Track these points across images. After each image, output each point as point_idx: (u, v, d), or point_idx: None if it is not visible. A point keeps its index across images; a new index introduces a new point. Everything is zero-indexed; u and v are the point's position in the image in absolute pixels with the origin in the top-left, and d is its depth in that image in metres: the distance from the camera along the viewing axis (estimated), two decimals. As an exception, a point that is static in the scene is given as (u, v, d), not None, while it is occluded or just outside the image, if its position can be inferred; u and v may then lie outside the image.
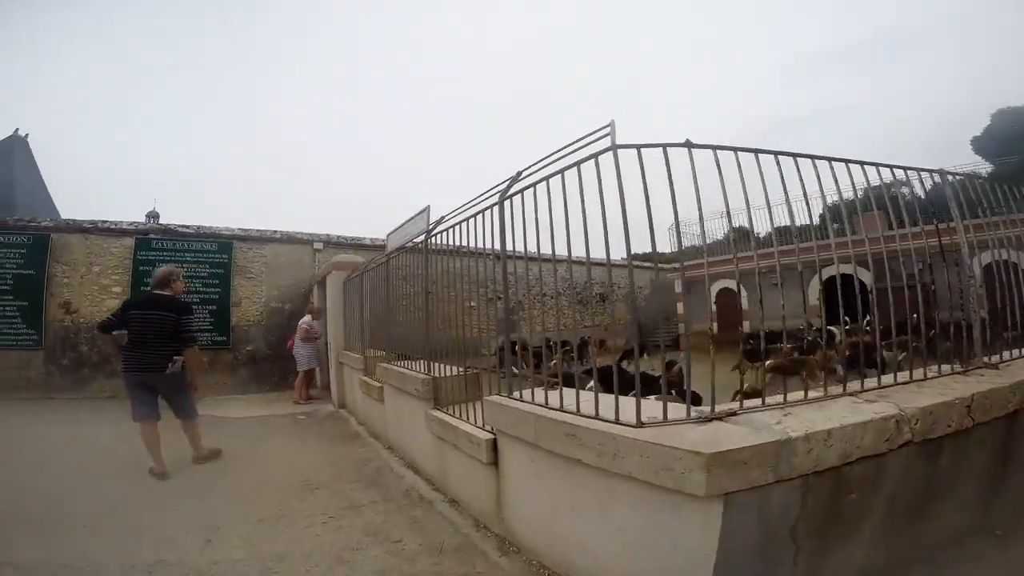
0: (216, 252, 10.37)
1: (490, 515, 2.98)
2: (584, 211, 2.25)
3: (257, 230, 10.85)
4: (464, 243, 3.28)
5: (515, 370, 3.05)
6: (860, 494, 1.96)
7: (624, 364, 11.32)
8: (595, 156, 2.20)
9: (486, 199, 3.05)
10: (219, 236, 10.45)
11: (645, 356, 12.18)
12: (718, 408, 2.07)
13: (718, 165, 2.12)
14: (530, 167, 2.57)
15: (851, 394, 2.37)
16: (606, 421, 2.09)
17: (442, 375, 3.72)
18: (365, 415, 6.27)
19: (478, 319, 3.66)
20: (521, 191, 2.68)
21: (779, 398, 2.23)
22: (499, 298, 3.03)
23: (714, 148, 2.19)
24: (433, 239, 3.81)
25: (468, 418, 3.26)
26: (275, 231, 10.98)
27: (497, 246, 2.94)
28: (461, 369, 3.69)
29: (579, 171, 2.27)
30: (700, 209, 2.11)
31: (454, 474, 3.51)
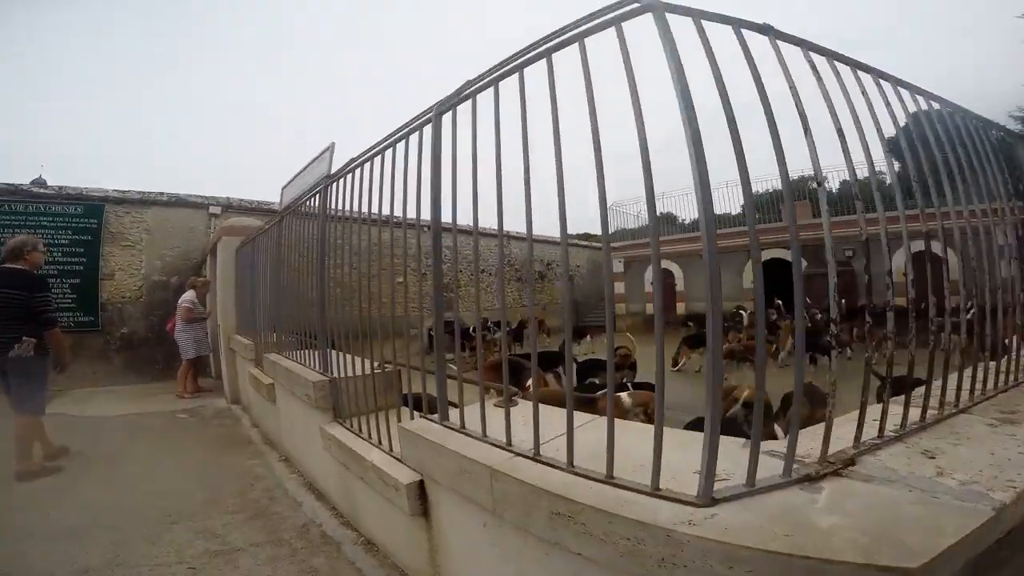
0: (82, 216, 8.44)
1: (423, 572, 2.03)
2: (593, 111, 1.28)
3: (138, 191, 8.98)
4: (376, 196, 2.24)
5: (452, 366, 2.06)
6: None
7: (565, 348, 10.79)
8: (614, 17, 1.23)
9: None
10: (86, 198, 8.51)
11: (588, 339, 11.70)
12: (805, 449, 1.24)
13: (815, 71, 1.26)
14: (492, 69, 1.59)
15: (963, 410, 1.66)
16: (635, 490, 1.20)
17: (345, 374, 2.65)
18: (260, 415, 5.07)
19: (403, 295, 2.61)
20: (472, 95, 1.69)
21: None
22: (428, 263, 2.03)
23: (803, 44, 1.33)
24: (339, 188, 2.73)
25: (383, 440, 2.27)
26: (161, 193, 9.15)
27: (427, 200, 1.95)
28: (378, 364, 2.64)
29: (583, 46, 1.30)
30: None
31: (368, 510, 2.52)
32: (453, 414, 1.78)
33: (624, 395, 3.67)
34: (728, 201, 18.84)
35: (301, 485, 3.65)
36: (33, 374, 3.85)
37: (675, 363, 8.82)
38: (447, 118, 1.79)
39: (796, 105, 1.25)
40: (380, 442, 2.27)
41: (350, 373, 2.63)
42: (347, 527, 2.88)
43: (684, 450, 1.34)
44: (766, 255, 14.77)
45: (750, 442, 1.18)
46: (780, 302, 13.62)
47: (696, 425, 3.41)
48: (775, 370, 7.87)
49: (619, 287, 17.21)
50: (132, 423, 5.81)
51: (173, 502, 3.36)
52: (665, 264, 16.16)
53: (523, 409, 1.82)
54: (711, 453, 1.11)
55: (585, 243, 23.31)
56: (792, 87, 1.27)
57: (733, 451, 1.31)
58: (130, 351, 8.57)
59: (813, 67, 1.39)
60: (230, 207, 9.65)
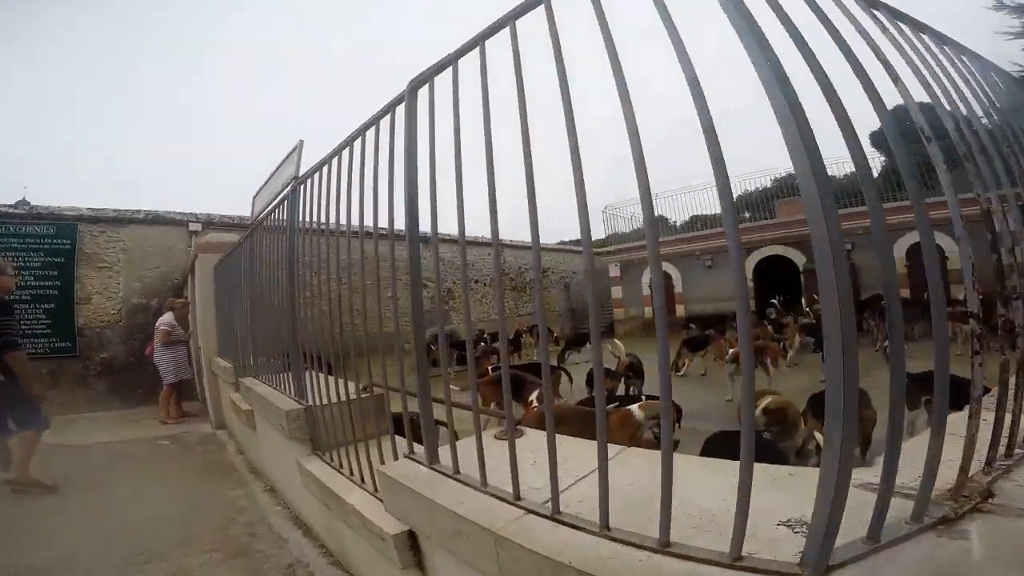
0: (54, 237, 8.07)
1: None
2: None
3: (114, 209, 8.62)
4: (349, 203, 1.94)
5: (453, 387, 1.74)
6: None
7: (567, 357, 10.48)
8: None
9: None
10: (58, 217, 8.13)
11: (588, 346, 11.39)
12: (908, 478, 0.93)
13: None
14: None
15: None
16: (708, 561, 0.88)
17: (322, 401, 2.30)
18: (244, 441, 4.72)
19: (388, 308, 2.28)
20: (452, 60, 1.39)
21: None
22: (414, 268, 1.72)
23: None
24: (307, 191, 2.42)
25: (366, 478, 1.94)
26: (137, 210, 8.79)
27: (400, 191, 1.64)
28: (363, 387, 2.31)
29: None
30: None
31: (356, 552, 2.19)
32: (444, 452, 1.45)
33: (635, 407, 3.36)
34: (716, 203, 18.63)
35: (287, 519, 3.31)
36: (11, 396, 3.81)
37: (676, 367, 8.53)
38: (423, 94, 1.49)
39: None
40: (363, 480, 1.94)
41: (332, 399, 2.30)
42: (337, 567, 2.54)
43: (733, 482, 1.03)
44: (765, 252, 14.61)
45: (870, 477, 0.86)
46: (777, 299, 13.46)
47: (715, 445, 3.12)
48: (785, 369, 7.61)
49: (616, 291, 16.94)
50: (111, 451, 5.48)
51: (148, 538, 3.06)
52: (663, 266, 15.90)
53: (530, 441, 1.51)
54: (834, 505, 0.78)
55: (580, 249, 23.05)
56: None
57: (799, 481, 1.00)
58: (111, 376, 8.17)
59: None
60: (211, 224, 9.30)
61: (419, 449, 1.53)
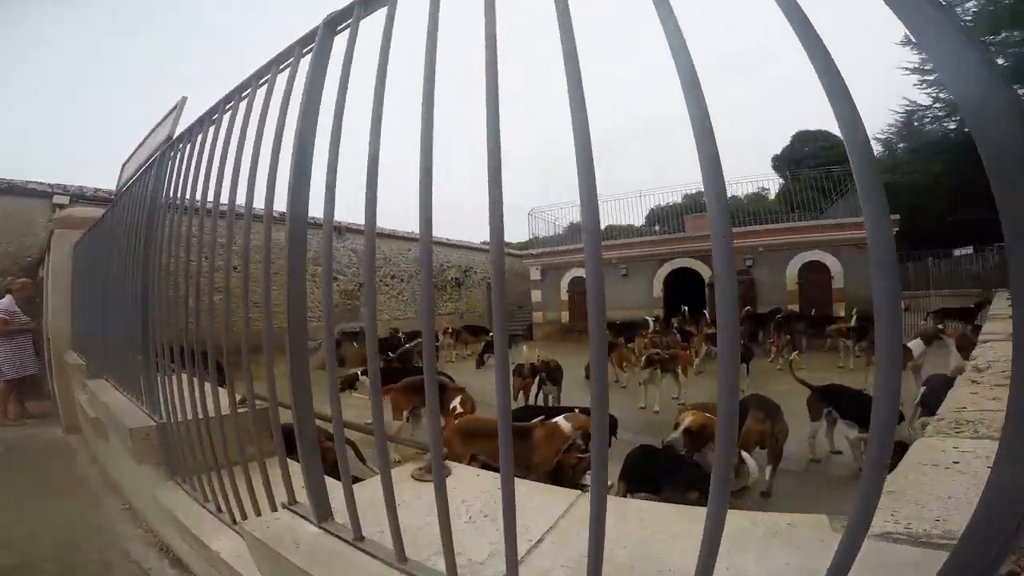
0: None
1: None
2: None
3: (-48, 174, 7.06)
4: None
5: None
6: None
7: (486, 359, 10.22)
8: None
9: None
10: None
11: (512, 348, 11.23)
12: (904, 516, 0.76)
13: None
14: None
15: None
16: None
17: (182, 416, 1.80)
18: (99, 450, 3.95)
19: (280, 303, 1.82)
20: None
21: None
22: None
23: None
24: (182, 157, 1.93)
25: (238, 516, 1.52)
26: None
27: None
28: (240, 399, 1.85)
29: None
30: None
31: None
32: (342, 499, 1.08)
33: (562, 420, 3.17)
34: (634, 213, 19.58)
35: (150, 545, 2.73)
36: None
37: (588, 375, 8.52)
38: (342, 40, 1.13)
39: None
40: (235, 520, 1.53)
41: (200, 413, 1.82)
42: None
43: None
44: (675, 264, 15.40)
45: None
46: (684, 310, 14.25)
47: (637, 461, 3.00)
48: (693, 377, 7.92)
49: (536, 294, 17.02)
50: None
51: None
52: (579, 272, 16.22)
53: (459, 482, 1.21)
54: None
55: (511, 251, 23.02)
56: None
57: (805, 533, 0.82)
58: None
59: None
60: (82, 197, 7.95)
61: (314, 498, 1.17)
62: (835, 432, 4.45)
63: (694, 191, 21.49)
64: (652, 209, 20.11)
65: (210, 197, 1.58)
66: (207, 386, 1.64)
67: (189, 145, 1.86)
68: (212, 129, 1.67)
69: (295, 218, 1.11)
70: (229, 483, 1.58)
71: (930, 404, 4.16)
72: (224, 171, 1.52)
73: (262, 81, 1.38)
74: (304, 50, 1.26)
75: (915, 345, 6.35)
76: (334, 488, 1.11)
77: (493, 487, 1.33)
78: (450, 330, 13.36)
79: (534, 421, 3.37)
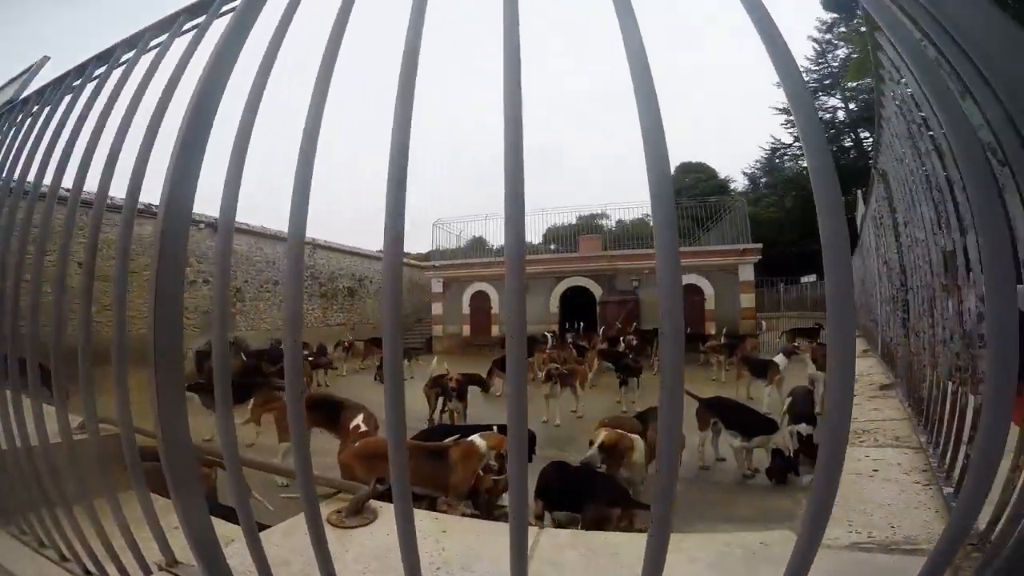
0: None
1: None
2: None
3: None
4: None
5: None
6: None
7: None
8: None
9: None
10: None
11: (407, 363, 10.74)
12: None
13: None
14: None
15: None
16: None
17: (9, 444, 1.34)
18: None
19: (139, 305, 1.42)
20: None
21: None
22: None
23: None
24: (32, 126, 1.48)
25: (81, 551, 1.13)
26: None
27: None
28: (77, 425, 1.41)
29: None
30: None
31: None
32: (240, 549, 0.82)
33: (477, 438, 3.00)
34: (533, 231, 20.18)
35: None
36: None
37: (487, 388, 8.09)
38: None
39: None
40: (90, 572, 1.14)
41: (28, 439, 1.36)
42: None
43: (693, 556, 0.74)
44: (568, 283, 16.06)
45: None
46: (577, 326, 14.87)
47: (550, 478, 2.93)
48: (588, 391, 8.18)
49: (437, 307, 16.69)
50: None
51: None
52: (481, 287, 16.22)
53: (384, 529, 1.01)
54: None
55: (410, 262, 22.31)
56: None
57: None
58: None
59: None
60: None
61: (202, 556, 0.87)
62: (719, 441, 4.81)
63: (587, 213, 22.79)
64: (549, 228, 20.87)
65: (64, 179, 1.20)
66: (32, 405, 1.23)
67: (31, 115, 1.43)
68: (69, 98, 1.29)
69: (173, 212, 0.85)
70: (72, 529, 1.18)
71: (797, 412, 4.68)
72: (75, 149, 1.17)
73: (151, 46, 1.08)
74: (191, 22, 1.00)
75: (780, 360, 7.18)
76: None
77: (435, 529, 1.14)
78: (346, 343, 12.49)
79: (448, 440, 3.16)
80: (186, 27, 1.03)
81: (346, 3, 0.75)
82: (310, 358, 10.19)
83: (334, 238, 17.76)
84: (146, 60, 1.08)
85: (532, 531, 1.06)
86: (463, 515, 2.90)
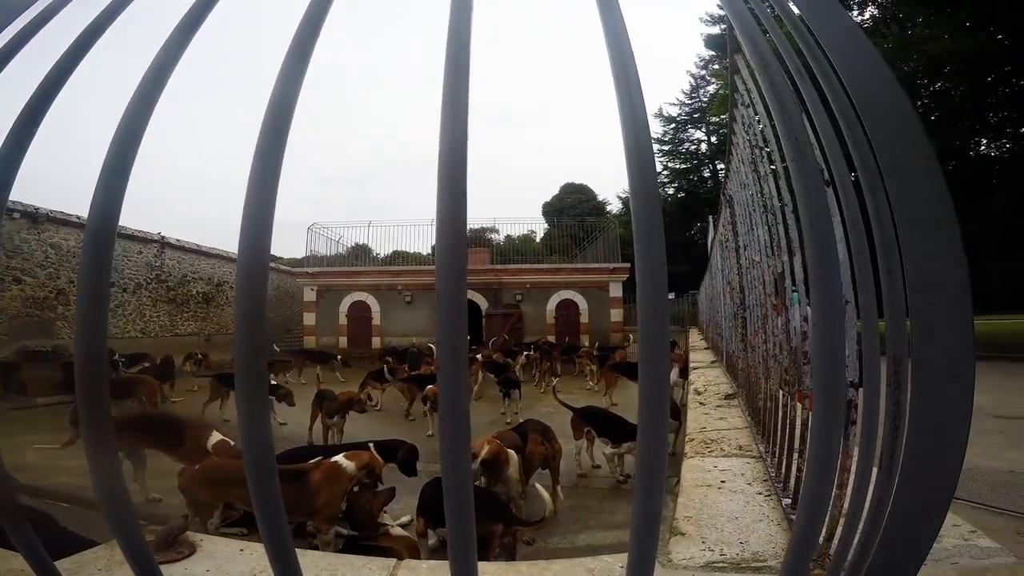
0: None
1: None
2: None
3: None
4: None
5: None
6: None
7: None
8: None
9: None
10: None
11: (273, 376, 9.77)
12: None
13: None
14: None
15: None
16: None
17: None
18: None
19: None
20: None
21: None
22: None
23: None
24: None
25: None
26: None
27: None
28: None
29: None
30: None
31: None
32: None
33: (341, 458, 2.79)
34: (423, 240, 19.94)
35: None
36: None
37: (362, 407, 7.76)
38: None
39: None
40: None
41: None
42: None
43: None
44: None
45: None
46: (468, 337, 14.82)
47: (433, 494, 2.83)
48: (473, 402, 8.16)
49: (308, 317, 15.53)
50: None
51: None
52: (361, 296, 15.49)
53: (218, 559, 0.88)
54: None
55: (272, 265, 20.41)
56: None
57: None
58: None
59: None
60: None
61: None
62: (594, 448, 5.07)
63: (477, 226, 23.07)
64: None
65: None
66: None
67: None
68: None
69: None
70: None
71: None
72: None
73: None
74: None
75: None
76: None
77: (264, 564, 1.01)
78: (198, 354, 11.00)
79: (311, 462, 2.90)
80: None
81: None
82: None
83: (189, 236, 15.74)
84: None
85: (388, 563, 0.99)
86: (339, 535, 2.68)
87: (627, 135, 0.50)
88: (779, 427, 1.59)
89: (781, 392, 1.66)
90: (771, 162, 1.83)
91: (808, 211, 0.51)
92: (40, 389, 7.32)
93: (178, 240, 15.13)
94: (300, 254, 17.63)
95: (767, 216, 1.96)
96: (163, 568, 1.03)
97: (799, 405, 1.51)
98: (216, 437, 3.63)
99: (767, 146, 1.91)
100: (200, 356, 10.98)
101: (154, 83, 0.60)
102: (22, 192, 10.41)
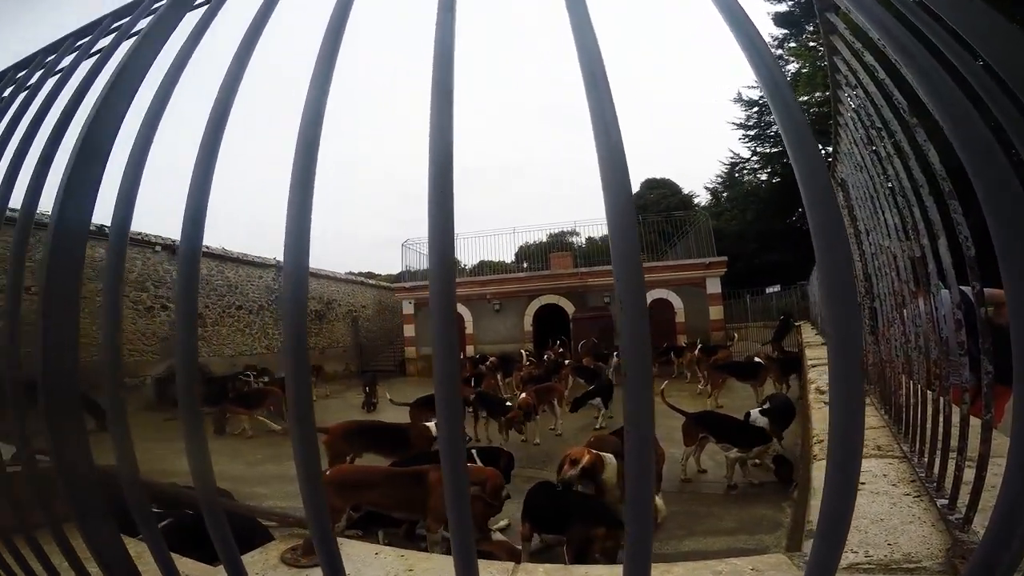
0: None
1: None
2: None
3: None
4: None
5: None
6: None
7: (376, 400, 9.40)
8: None
9: None
10: None
11: (377, 384, 10.48)
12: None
13: None
14: None
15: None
16: None
17: None
18: None
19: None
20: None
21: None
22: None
23: None
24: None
25: None
26: None
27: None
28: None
29: None
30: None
31: None
32: None
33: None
34: (506, 249, 20.24)
35: None
36: None
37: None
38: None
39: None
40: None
41: None
42: None
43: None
44: (543, 300, 16.08)
45: None
46: (551, 343, 14.84)
47: (537, 497, 2.84)
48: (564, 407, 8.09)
49: (408, 329, 16.41)
50: None
51: None
52: (459, 307, 16.05)
53: (355, 562, 0.93)
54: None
55: (372, 282, 21.96)
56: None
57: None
58: None
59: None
60: None
61: None
62: (702, 454, 4.80)
63: (557, 231, 23.05)
64: (520, 247, 21.01)
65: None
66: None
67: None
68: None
69: (65, 227, 0.76)
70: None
71: (776, 420, 4.71)
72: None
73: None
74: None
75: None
76: None
77: (400, 568, 1.06)
78: (314, 368, 12.14)
79: (431, 465, 3.05)
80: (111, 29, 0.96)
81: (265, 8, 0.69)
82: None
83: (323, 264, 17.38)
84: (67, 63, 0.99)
85: (506, 566, 0.99)
86: (441, 540, 2.79)
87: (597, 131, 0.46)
88: (929, 425, 1.39)
89: (930, 388, 1.45)
90: (895, 142, 1.62)
91: (984, 186, 0.43)
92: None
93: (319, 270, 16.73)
94: (395, 269, 18.68)
95: (896, 199, 1.76)
96: (307, 572, 1.12)
97: (950, 401, 1.31)
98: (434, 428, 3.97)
99: (886, 127, 1.71)
100: (315, 369, 12.11)
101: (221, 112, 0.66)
102: (161, 228, 12.11)
